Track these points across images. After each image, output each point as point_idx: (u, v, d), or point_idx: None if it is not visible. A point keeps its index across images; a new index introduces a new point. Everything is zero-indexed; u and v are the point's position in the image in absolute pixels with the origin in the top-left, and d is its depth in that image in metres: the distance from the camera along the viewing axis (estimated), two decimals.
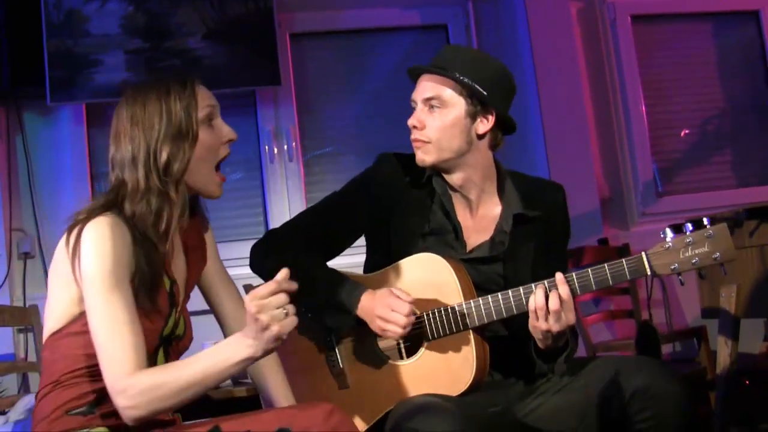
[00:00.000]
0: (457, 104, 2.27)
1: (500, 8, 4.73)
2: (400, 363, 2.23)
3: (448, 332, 2.18)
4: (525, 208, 2.32)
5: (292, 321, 1.70)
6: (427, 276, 2.22)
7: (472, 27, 4.73)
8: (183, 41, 4.18)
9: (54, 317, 1.86)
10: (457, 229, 2.32)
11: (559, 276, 2.08)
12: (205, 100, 1.94)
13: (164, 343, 1.93)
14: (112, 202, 1.85)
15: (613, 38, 4.80)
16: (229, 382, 3.22)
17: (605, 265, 2.09)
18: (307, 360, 2.33)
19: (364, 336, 2.27)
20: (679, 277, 2.08)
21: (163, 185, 1.86)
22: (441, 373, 2.18)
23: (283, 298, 1.70)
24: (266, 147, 4.41)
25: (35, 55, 4.02)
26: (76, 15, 4.08)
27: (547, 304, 2.06)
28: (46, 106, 4.11)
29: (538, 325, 2.08)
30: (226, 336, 2.13)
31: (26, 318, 3.63)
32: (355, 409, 2.23)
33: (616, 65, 4.79)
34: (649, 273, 2.07)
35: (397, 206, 2.35)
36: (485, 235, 2.33)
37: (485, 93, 2.25)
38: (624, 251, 4.23)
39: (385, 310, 2.14)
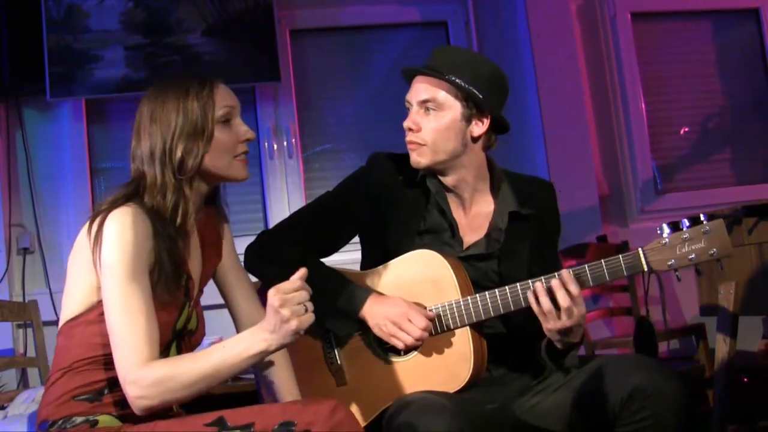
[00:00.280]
0: (452, 107, 2.27)
1: (500, 5, 4.73)
2: (398, 360, 2.24)
3: (445, 329, 2.19)
4: (519, 206, 2.33)
5: (310, 317, 1.78)
6: (424, 272, 2.23)
7: (471, 24, 4.72)
8: (183, 37, 4.18)
9: (71, 304, 1.90)
10: (453, 227, 2.32)
11: (565, 273, 2.08)
12: (223, 100, 1.98)
13: (177, 337, 1.96)
14: (133, 194, 1.90)
15: (613, 36, 4.79)
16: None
17: (602, 261, 2.10)
18: (306, 357, 2.33)
19: (362, 334, 2.28)
20: (676, 273, 2.08)
21: (178, 181, 1.91)
22: (438, 369, 2.19)
23: (305, 294, 1.79)
24: (266, 143, 4.42)
25: (35, 51, 4.02)
26: (76, 11, 4.07)
27: (554, 303, 2.06)
28: (45, 102, 4.11)
29: (551, 327, 2.09)
30: (238, 330, 2.18)
31: (25, 313, 3.64)
32: (353, 406, 2.24)
33: (616, 63, 4.78)
34: (645, 269, 2.08)
35: (392, 205, 2.35)
36: (480, 233, 2.33)
37: (481, 96, 2.26)
38: (623, 249, 4.23)
39: (401, 317, 2.16)
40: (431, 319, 2.17)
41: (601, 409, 2.06)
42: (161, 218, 1.89)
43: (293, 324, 1.75)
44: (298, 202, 4.35)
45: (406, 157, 2.33)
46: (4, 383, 3.79)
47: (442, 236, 2.33)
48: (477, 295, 2.17)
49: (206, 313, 2.13)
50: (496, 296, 2.15)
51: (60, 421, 1.82)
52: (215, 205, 2.16)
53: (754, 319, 3.79)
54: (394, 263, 2.28)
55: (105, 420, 1.84)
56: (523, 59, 4.58)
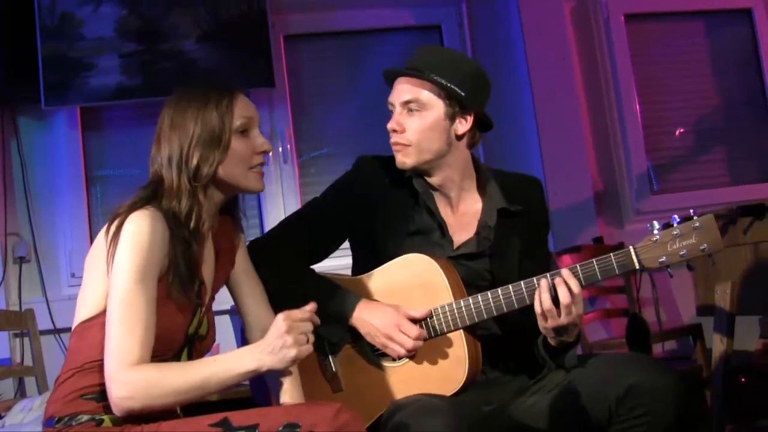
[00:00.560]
0: (435, 106, 2.27)
1: (494, 8, 4.74)
2: (393, 365, 2.23)
3: (439, 332, 2.19)
4: (507, 202, 2.33)
5: (309, 349, 1.84)
6: (416, 277, 2.23)
7: (465, 27, 4.73)
8: (177, 44, 4.18)
9: (86, 306, 1.91)
10: (442, 227, 2.32)
11: (565, 272, 2.08)
12: (242, 111, 2.01)
13: (189, 343, 1.97)
14: (151, 197, 1.93)
15: (607, 37, 4.80)
16: None
17: (593, 260, 2.10)
18: (301, 365, 2.31)
19: (356, 339, 2.28)
20: (668, 270, 2.08)
21: (193, 187, 1.94)
22: (434, 373, 2.18)
23: (310, 326, 1.86)
24: None
25: (29, 60, 4.02)
26: (70, 19, 4.08)
27: (554, 302, 2.06)
28: (40, 110, 4.11)
29: (548, 325, 2.09)
30: (247, 334, 2.21)
31: (22, 322, 3.64)
32: None
33: (610, 64, 4.79)
34: (637, 267, 2.08)
35: (380, 208, 2.35)
36: (469, 232, 2.33)
37: (463, 94, 2.26)
38: (618, 250, 4.22)
39: (393, 329, 2.16)
40: (421, 321, 2.17)
41: (597, 408, 2.06)
42: (177, 221, 1.92)
43: (293, 351, 1.81)
44: (293, 208, 4.34)
45: (393, 159, 2.33)
46: (1, 393, 3.79)
47: (431, 237, 2.32)
48: (470, 297, 2.17)
49: None
50: (489, 299, 2.15)
51: (66, 418, 1.83)
52: (232, 215, 2.20)
53: (751, 319, 3.79)
54: (385, 268, 2.28)
55: (110, 420, 1.84)
56: (517, 62, 4.58)
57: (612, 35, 4.78)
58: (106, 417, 1.83)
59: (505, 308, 2.15)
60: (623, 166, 4.75)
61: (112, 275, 1.83)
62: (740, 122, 5.02)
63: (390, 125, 2.30)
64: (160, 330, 1.85)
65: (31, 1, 4.03)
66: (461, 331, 2.18)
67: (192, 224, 1.93)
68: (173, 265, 1.89)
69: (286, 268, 2.32)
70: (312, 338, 1.86)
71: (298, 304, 2.11)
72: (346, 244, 2.47)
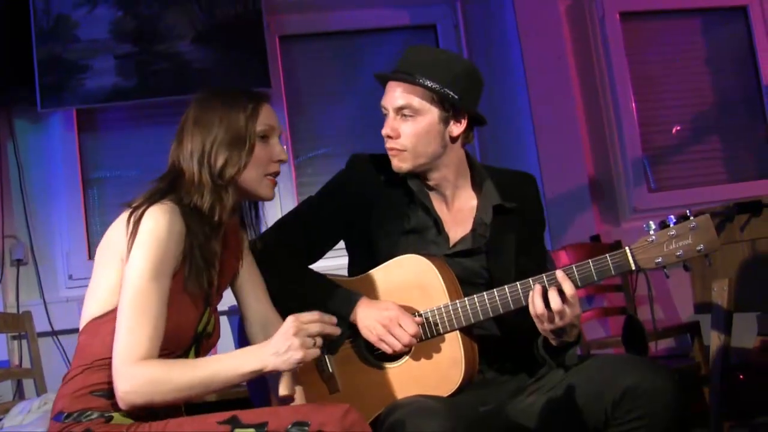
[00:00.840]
0: (429, 111, 2.26)
1: (489, 7, 4.73)
2: (390, 366, 2.23)
3: (435, 334, 2.19)
4: (502, 199, 2.33)
5: (314, 353, 1.85)
6: (411, 277, 2.23)
7: (461, 26, 4.73)
8: (173, 45, 4.18)
9: (98, 302, 1.91)
10: (438, 224, 2.32)
11: (560, 273, 2.08)
12: (265, 118, 2.06)
13: (196, 340, 1.99)
14: (168, 189, 1.95)
15: (602, 35, 4.80)
16: None
17: (590, 261, 2.10)
18: None
19: (352, 341, 2.28)
20: (665, 270, 2.08)
21: (216, 185, 1.96)
22: (430, 374, 2.18)
23: (319, 329, 1.86)
24: None
25: (25, 62, 4.02)
26: (65, 21, 4.07)
27: (547, 305, 2.06)
28: (36, 113, 4.11)
29: (544, 327, 2.09)
30: (246, 331, 2.22)
31: (20, 324, 3.64)
32: None
33: (606, 62, 4.79)
34: (633, 268, 2.08)
35: (375, 206, 2.35)
36: (465, 228, 2.33)
37: (457, 97, 2.25)
38: (615, 248, 4.20)
39: (392, 322, 2.16)
40: (420, 325, 2.17)
41: (593, 410, 2.06)
42: (199, 215, 1.94)
43: (299, 354, 1.81)
44: (290, 208, 4.25)
45: (387, 156, 2.33)
46: (0, 395, 3.79)
47: (427, 235, 2.32)
48: (465, 298, 2.17)
49: None
50: (485, 299, 2.15)
51: (75, 414, 1.83)
52: (239, 216, 2.21)
53: (749, 316, 3.80)
54: (381, 269, 2.28)
55: (120, 417, 1.85)
56: (513, 61, 4.58)
57: (607, 33, 4.78)
58: (115, 414, 1.84)
59: (501, 309, 2.15)
60: (620, 164, 4.75)
61: (127, 270, 1.85)
62: (736, 119, 5.03)
63: (384, 131, 2.30)
64: (171, 326, 1.86)
65: (26, 4, 4.03)
66: (457, 331, 2.18)
67: (215, 219, 1.96)
68: (190, 259, 1.91)
69: (285, 269, 2.32)
70: (320, 342, 1.86)
71: (298, 303, 2.13)
72: (341, 244, 2.47)
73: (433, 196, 2.35)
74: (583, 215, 4.45)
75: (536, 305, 2.06)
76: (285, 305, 2.25)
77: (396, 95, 2.28)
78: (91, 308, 1.92)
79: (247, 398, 2.41)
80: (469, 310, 2.15)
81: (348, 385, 2.27)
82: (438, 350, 2.19)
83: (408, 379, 2.20)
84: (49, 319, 4.03)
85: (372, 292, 2.26)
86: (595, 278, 2.10)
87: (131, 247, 1.85)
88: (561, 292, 2.05)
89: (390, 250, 2.27)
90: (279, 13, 4.56)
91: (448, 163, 2.32)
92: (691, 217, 2.03)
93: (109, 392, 1.84)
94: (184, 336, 1.93)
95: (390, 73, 2.32)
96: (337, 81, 4.70)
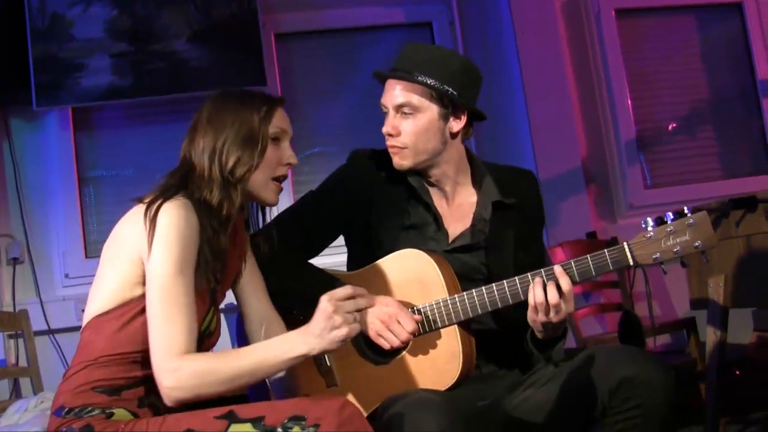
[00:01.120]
0: (429, 108, 2.27)
1: (484, 4, 4.74)
2: (388, 360, 2.23)
3: (434, 327, 2.19)
4: (502, 195, 2.34)
5: (357, 327, 1.87)
6: (410, 272, 2.23)
7: (456, 24, 4.73)
8: (168, 44, 4.18)
9: (103, 299, 1.91)
10: (438, 219, 2.33)
11: (557, 268, 2.09)
12: (278, 121, 2.08)
13: (199, 339, 1.97)
14: (180, 185, 1.96)
15: (598, 32, 4.80)
16: None
17: (588, 256, 2.10)
18: None
19: None
20: (662, 266, 2.08)
21: (225, 182, 1.98)
22: (428, 368, 2.18)
23: (355, 304, 1.88)
24: None
25: (20, 61, 4.01)
26: (61, 19, 4.07)
27: (546, 298, 2.07)
28: (32, 112, 4.10)
29: (538, 318, 2.09)
30: (245, 327, 2.23)
31: (16, 323, 3.64)
32: None
33: (601, 59, 4.80)
34: (631, 263, 2.08)
35: (375, 202, 2.36)
36: (464, 224, 2.34)
37: (456, 93, 2.26)
38: (612, 245, 4.21)
39: (390, 318, 2.16)
40: (419, 322, 2.17)
41: (590, 401, 2.06)
42: (208, 211, 1.95)
43: (343, 331, 1.83)
44: (287, 206, 4.33)
45: (387, 152, 2.33)
46: None
47: (427, 231, 2.33)
48: (464, 293, 2.17)
49: None
50: (483, 293, 2.16)
51: (76, 409, 1.83)
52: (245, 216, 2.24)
53: (745, 312, 3.80)
54: (380, 264, 2.28)
55: (121, 414, 1.85)
56: (509, 58, 4.59)
57: (603, 30, 4.79)
58: (117, 410, 1.84)
59: (499, 303, 2.15)
60: (616, 160, 4.76)
61: (150, 267, 1.85)
62: (732, 116, 5.04)
63: (385, 129, 2.30)
64: None
65: (21, 3, 4.02)
66: (456, 326, 2.18)
67: (223, 215, 1.97)
68: (201, 255, 1.91)
69: (283, 265, 2.32)
70: (359, 317, 1.88)
71: (296, 299, 2.12)
72: (340, 241, 2.48)
73: (433, 192, 2.36)
74: (579, 212, 4.46)
75: (537, 295, 2.07)
76: (283, 301, 2.25)
77: (395, 93, 2.28)
78: (95, 305, 1.92)
79: (244, 393, 2.42)
80: (468, 305, 2.16)
81: (346, 378, 2.27)
82: (436, 345, 2.19)
83: (406, 373, 2.20)
84: (45, 318, 4.03)
85: (371, 286, 2.26)
86: (593, 273, 2.10)
87: (151, 243, 1.84)
88: (558, 287, 2.06)
89: (390, 246, 2.28)
90: (274, 11, 4.56)
91: (448, 159, 2.33)
92: (689, 214, 2.04)
93: (111, 389, 1.85)
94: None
95: (389, 72, 2.32)
96: (332, 79, 4.70)
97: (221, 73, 4.20)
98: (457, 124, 2.30)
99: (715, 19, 5.09)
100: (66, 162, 4.28)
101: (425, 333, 2.19)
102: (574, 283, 2.09)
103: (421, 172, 2.34)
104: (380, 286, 2.26)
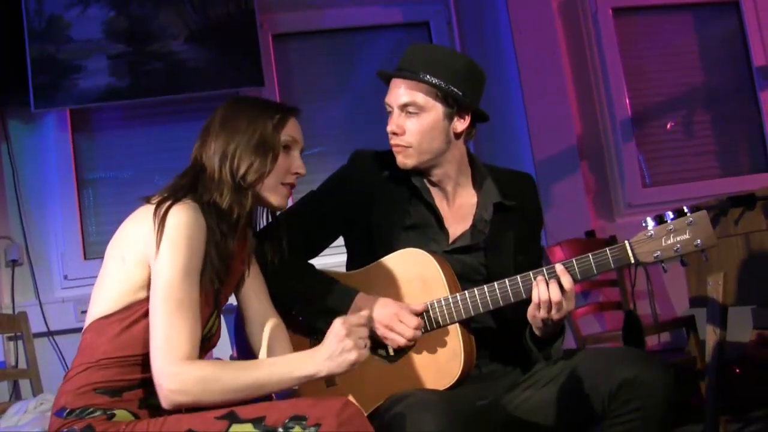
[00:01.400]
0: (433, 108, 2.27)
1: (482, 4, 4.74)
2: (389, 358, 2.23)
3: (435, 326, 2.19)
4: (502, 197, 2.34)
5: (366, 353, 1.87)
6: (412, 271, 2.23)
7: (454, 23, 4.74)
8: (166, 44, 4.18)
9: (106, 301, 1.90)
10: (439, 219, 2.33)
11: (559, 267, 2.09)
12: (291, 130, 2.10)
13: (201, 341, 1.96)
14: (190, 187, 1.96)
15: (595, 31, 4.81)
16: None
17: (589, 254, 2.11)
18: None
19: None
20: (662, 265, 2.09)
21: (237, 186, 1.99)
22: (429, 367, 2.18)
23: (367, 331, 1.89)
24: None
25: (18, 62, 4.02)
26: (58, 21, 4.07)
27: (549, 295, 2.07)
28: (30, 113, 4.10)
29: (539, 316, 2.10)
30: (246, 330, 2.22)
31: (15, 325, 3.63)
32: None
33: (599, 58, 4.80)
34: (633, 261, 2.09)
35: (376, 202, 2.36)
36: (464, 224, 2.34)
37: (461, 93, 2.26)
38: (611, 243, 4.21)
39: (392, 319, 2.16)
40: (421, 314, 2.17)
41: (590, 402, 2.07)
42: (217, 213, 1.95)
43: (353, 355, 1.83)
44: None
45: (389, 153, 2.34)
46: None
47: (428, 231, 2.33)
48: (466, 291, 2.17)
49: None
50: (485, 292, 2.16)
51: (78, 410, 1.83)
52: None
53: (744, 310, 3.81)
54: (381, 263, 2.28)
55: (122, 415, 1.85)
56: (506, 57, 4.59)
57: (600, 29, 4.80)
58: (118, 412, 1.84)
59: (501, 301, 2.16)
60: (614, 159, 4.76)
61: (156, 267, 1.84)
62: (729, 114, 5.05)
63: (389, 128, 2.30)
64: None
65: (18, 4, 4.02)
66: (457, 324, 2.18)
67: (233, 218, 1.98)
68: (208, 258, 1.91)
69: (284, 266, 2.32)
70: (369, 343, 1.88)
71: (297, 299, 2.11)
72: (340, 241, 2.47)
73: (434, 192, 2.36)
74: (578, 210, 4.46)
75: (540, 292, 2.07)
76: (284, 302, 2.25)
77: (400, 92, 2.29)
78: (98, 307, 1.91)
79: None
80: (469, 303, 2.16)
81: (346, 378, 2.26)
82: (437, 343, 2.19)
83: (406, 372, 2.20)
84: (44, 320, 4.03)
85: (373, 286, 2.26)
86: (595, 272, 2.10)
87: (159, 244, 1.84)
88: (560, 285, 2.06)
89: (390, 246, 2.28)
90: (272, 11, 4.56)
91: (451, 159, 2.33)
92: (688, 213, 2.04)
93: (113, 390, 1.85)
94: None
95: (393, 71, 2.33)
96: (331, 79, 4.70)
97: (219, 74, 4.21)
98: (461, 124, 2.31)
99: (713, 17, 5.10)
100: (64, 163, 4.28)
101: (427, 332, 2.19)
102: (575, 281, 2.09)
103: (423, 171, 2.34)
104: (382, 284, 2.26)
